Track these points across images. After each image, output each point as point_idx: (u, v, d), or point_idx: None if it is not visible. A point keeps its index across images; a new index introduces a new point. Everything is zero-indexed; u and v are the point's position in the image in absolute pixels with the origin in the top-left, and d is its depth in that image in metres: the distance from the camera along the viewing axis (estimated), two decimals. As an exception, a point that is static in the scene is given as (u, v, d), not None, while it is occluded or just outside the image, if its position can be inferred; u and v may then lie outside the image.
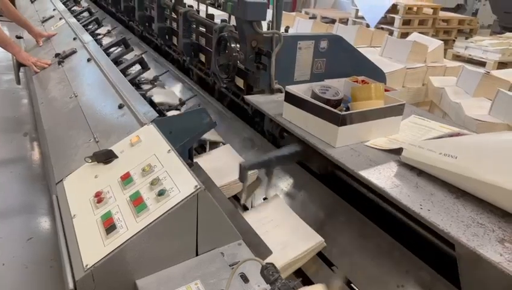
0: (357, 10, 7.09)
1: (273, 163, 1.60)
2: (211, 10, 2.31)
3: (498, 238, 1.02)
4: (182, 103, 2.32)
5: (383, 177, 1.26)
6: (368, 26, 6.67)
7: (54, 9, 3.53)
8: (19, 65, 2.59)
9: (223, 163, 1.92)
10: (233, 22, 2.10)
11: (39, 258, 1.58)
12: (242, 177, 1.58)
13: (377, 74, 2.19)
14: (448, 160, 1.20)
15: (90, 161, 1.42)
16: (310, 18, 7.31)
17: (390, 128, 1.55)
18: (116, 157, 1.42)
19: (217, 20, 2.31)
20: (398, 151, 1.39)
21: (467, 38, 7.02)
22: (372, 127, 1.49)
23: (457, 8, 9.89)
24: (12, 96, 3.93)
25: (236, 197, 1.84)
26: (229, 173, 1.79)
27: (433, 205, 1.14)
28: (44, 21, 3.34)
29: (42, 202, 2.56)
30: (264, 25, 1.91)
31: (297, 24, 5.79)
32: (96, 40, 2.74)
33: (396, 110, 1.53)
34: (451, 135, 1.36)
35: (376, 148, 1.45)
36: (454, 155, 1.19)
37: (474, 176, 1.14)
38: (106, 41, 3.26)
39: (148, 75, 2.53)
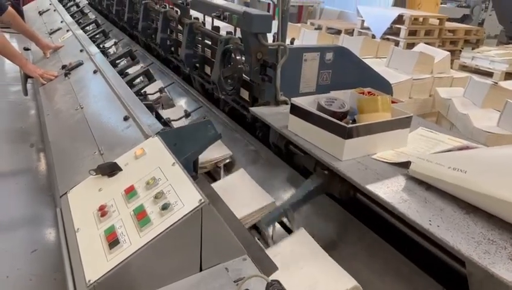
0: (363, 21, 7.11)
1: (292, 210, 1.55)
2: (217, 22, 2.32)
3: (510, 255, 0.99)
4: (187, 114, 2.32)
5: (390, 191, 1.24)
6: (373, 37, 6.68)
7: (61, 22, 3.57)
8: (26, 77, 2.61)
9: (240, 192, 1.79)
10: (238, 34, 2.11)
11: (43, 271, 1.57)
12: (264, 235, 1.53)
13: (383, 85, 2.17)
14: (457, 174, 1.17)
15: (94, 173, 1.41)
16: (315, 29, 7.34)
17: (398, 141, 1.53)
18: (121, 170, 1.41)
19: (223, 32, 2.31)
20: (406, 164, 1.37)
21: (473, 48, 7.00)
22: (379, 140, 1.47)
23: (464, 18, 9.89)
24: (19, 108, 3.96)
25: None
26: (248, 204, 1.68)
27: (443, 221, 1.11)
28: (52, 33, 3.38)
29: (47, 213, 2.56)
30: (270, 36, 1.91)
31: (302, 35, 5.80)
32: (103, 52, 2.76)
33: (403, 123, 1.51)
34: (460, 149, 1.34)
35: (383, 162, 1.43)
36: (464, 169, 1.16)
37: (484, 191, 1.11)
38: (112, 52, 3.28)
39: (155, 86, 2.53)
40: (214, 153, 1.99)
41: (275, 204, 1.66)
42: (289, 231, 1.61)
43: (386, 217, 1.32)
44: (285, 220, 1.64)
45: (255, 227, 1.62)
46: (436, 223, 1.10)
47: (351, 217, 1.55)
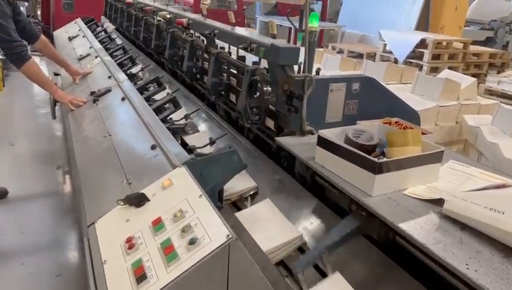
0: (385, 45, 7.08)
1: (328, 253, 1.45)
2: (242, 51, 2.35)
3: (555, 306, 0.94)
4: (212, 141, 2.33)
5: (424, 231, 1.20)
6: (396, 61, 6.64)
7: (90, 47, 3.67)
8: (55, 101, 2.69)
9: (267, 223, 1.74)
10: (263, 63, 2.12)
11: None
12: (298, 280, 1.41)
13: (411, 115, 2.14)
14: (494, 215, 1.13)
15: (122, 203, 1.42)
16: (337, 52, 7.35)
17: (429, 175, 1.49)
18: (148, 200, 1.41)
19: (248, 61, 2.33)
20: (438, 201, 1.33)
21: (498, 72, 6.89)
22: (410, 174, 1.43)
23: (487, 41, 9.79)
24: (48, 130, 4.10)
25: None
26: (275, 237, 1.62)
27: (480, 265, 1.07)
28: (81, 59, 3.48)
29: (72, 236, 2.61)
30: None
31: (325, 61, 5.80)
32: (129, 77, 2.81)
33: (435, 158, 1.47)
34: (496, 187, 1.29)
35: (415, 198, 1.39)
36: (501, 210, 1.12)
37: (524, 233, 1.07)
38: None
39: (180, 112, 2.56)
40: (239, 184, 1.95)
41: (302, 238, 1.61)
42: (323, 273, 1.47)
43: (428, 263, 1.27)
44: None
45: (282, 263, 1.55)
46: (473, 267, 1.06)
47: (390, 261, 1.46)
